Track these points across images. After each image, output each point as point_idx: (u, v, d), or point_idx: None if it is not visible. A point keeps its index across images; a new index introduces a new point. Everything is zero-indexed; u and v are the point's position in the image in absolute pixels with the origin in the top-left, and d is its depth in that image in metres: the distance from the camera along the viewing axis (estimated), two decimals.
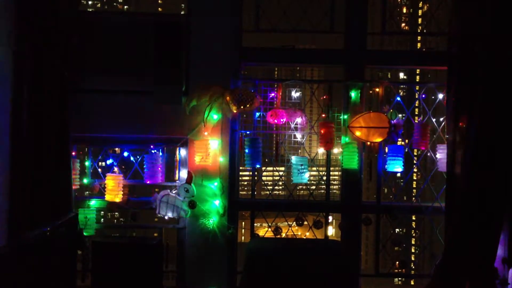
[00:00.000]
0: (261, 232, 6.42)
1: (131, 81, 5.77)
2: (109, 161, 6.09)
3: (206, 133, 5.79)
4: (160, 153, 5.89)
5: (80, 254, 5.46)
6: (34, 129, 5.17)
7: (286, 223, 6.41)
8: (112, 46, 5.72)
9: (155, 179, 5.82)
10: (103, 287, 5.06)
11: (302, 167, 5.81)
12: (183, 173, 5.87)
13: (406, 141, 5.95)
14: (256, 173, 6.18)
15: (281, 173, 6.39)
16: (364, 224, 6.08)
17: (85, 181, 5.95)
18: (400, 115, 5.84)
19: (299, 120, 5.93)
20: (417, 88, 6.13)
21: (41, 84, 5.23)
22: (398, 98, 6.09)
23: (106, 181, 5.82)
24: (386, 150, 5.86)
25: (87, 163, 5.99)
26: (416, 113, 6.22)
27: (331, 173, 6.19)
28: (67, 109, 5.41)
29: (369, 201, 6.54)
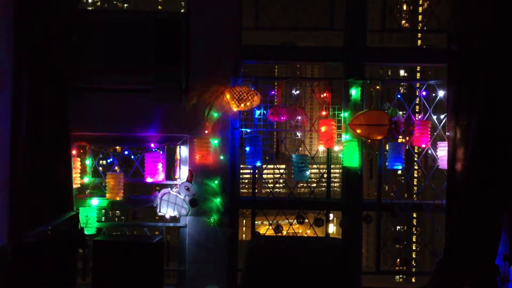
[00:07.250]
0: (262, 230, 6.41)
1: (131, 80, 5.76)
2: (109, 160, 6.09)
3: (206, 132, 5.78)
4: (161, 152, 5.89)
5: (80, 253, 5.45)
6: (34, 128, 5.17)
7: (287, 221, 6.40)
8: (112, 45, 5.69)
9: (156, 177, 5.82)
10: (103, 285, 5.06)
11: (303, 165, 5.81)
12: (184, 172, 5.86)
13: (407, 138, 5.94)
14: (256, 171, 6.18)
15: (281, 171, 6.38)
16: (365, 222, 6.07)
17: (86, 179, 5.95)
18: (400, 113, 5.83)
19: (299, 118, 5.92)
20: (417, 85, 6.12)
21: (41, 83, 5.22)
22: (399, 96, 6.08)
23: (106, 180, 5.82)
24: (387, 147, 5.86)
25: (87, 162, 5.99)
26: (416, 110, 6.19)
27: (331, 171, 6.18)
28: (67, 108, 5.41)
29: (369, 199, 6.53)
